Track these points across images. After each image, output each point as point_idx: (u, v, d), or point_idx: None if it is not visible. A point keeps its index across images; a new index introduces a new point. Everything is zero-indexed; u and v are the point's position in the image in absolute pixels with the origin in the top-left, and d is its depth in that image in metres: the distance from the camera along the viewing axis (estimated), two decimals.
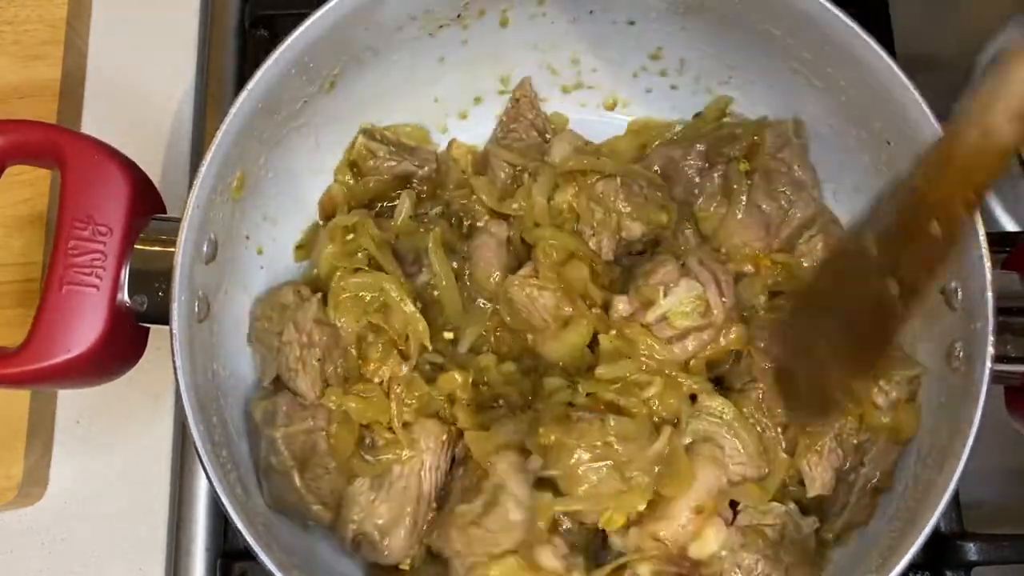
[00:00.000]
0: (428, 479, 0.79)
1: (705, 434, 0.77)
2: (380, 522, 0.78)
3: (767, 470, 0.78)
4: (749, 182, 0.86)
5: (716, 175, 0.88)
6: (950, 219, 0.57)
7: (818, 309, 0.69)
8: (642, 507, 0.73)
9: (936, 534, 0.85)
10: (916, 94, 0.74)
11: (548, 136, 0.94)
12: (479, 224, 0.88)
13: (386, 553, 0.78)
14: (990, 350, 0.69)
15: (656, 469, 0.74)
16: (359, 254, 0.83)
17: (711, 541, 0.74)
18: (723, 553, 0.75)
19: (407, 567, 0.80)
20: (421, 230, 0.86)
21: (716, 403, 0.77)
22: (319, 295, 0.81)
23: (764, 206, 0.86)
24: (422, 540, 0.79)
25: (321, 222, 0.91)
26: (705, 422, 0.77)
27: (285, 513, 0.81)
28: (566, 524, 0.76)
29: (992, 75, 0.55)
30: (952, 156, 0.57)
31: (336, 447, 0.79)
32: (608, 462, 0.73)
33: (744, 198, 0.86)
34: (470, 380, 0.80)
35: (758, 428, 0.78)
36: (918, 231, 0.58)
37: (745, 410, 0.78)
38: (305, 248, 0.90)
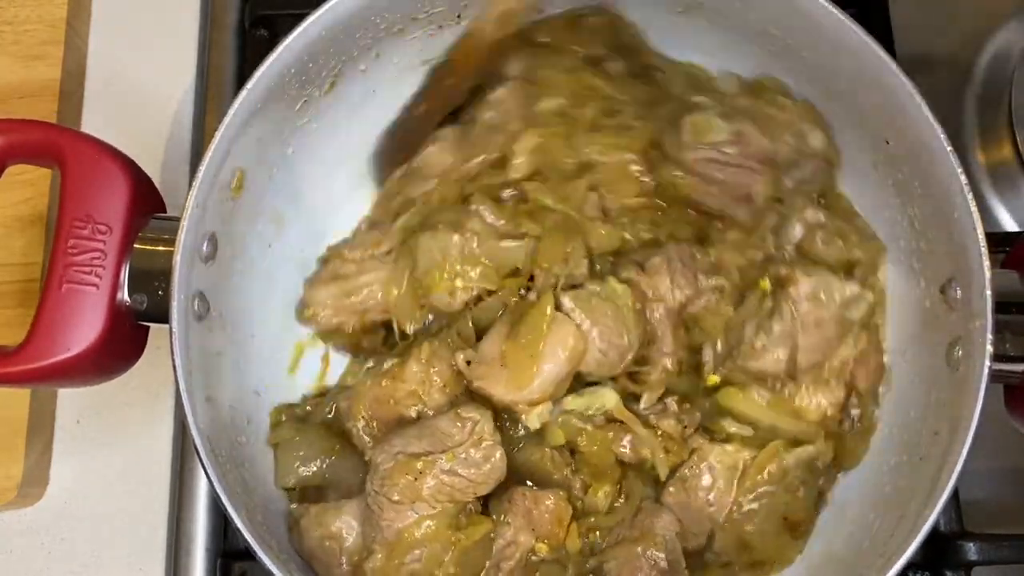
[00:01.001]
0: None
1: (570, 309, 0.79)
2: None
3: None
4: (767, 305, 0.82)
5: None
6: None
7: None
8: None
9: (936, 534, 0.85)
10: (916, 94, 0.74)
11: None
12: None
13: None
14: (989, 349, 0.69)
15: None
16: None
17: (535, 420, 0.79)
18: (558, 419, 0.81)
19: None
20: None
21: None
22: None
23: (747, 328, 0.81)
24: None
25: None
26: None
27: None
28: None
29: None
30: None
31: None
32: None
33: (753, 313, 0.82)
34: None
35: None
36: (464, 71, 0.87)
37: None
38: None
